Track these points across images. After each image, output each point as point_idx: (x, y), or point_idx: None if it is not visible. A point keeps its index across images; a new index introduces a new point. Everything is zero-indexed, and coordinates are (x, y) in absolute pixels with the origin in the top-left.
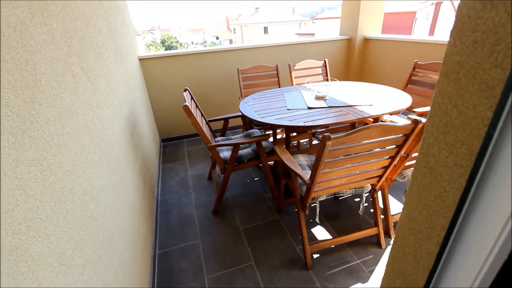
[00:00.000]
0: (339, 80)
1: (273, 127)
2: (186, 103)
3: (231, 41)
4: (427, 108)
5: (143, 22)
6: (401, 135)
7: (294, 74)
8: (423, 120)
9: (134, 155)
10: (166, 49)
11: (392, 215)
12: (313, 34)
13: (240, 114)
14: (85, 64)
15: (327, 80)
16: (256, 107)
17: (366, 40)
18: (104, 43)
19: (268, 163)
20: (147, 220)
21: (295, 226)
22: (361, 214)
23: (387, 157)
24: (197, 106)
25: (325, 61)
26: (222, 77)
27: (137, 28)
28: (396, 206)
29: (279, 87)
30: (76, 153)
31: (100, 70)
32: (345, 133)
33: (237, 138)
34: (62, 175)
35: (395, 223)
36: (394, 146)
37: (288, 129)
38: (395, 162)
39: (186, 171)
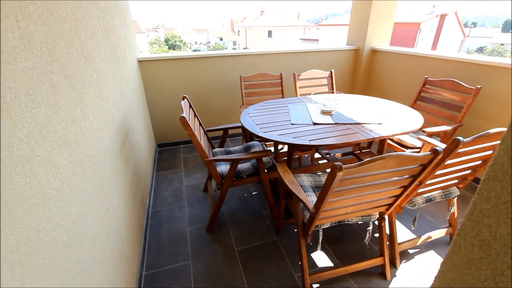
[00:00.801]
0: (345, 93)
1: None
2: (183, 114)
3: (234, 43)
4: (439, 128)
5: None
6: (417, 165)
7: (298, 84)
8: (440, 147)
9: (125, 167)
10: (169, 48)
11: (399, 244)
12: (317, 40)
13: (241, 125)
14: (70, 71)
15: (333, 92)
16: (258, 119)
17: (374, 52)
18: (98, 46)
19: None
20: (135, 238)
21: (294, 249)
22: (366, 243)
23: (400, 186)
24: (195, 115)
25: (331, 71)
26: (224, 83)
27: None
28: (403, 233)
29: (283, 96)
30: (49, 179)
31: (89, 76)
32: (358, 163)
33: (236, 150)
34: (24, 211)
35: (401, 252)
36: (408, 175)
37: (291, 146)
38: (408, 191)
39: (181, 181)
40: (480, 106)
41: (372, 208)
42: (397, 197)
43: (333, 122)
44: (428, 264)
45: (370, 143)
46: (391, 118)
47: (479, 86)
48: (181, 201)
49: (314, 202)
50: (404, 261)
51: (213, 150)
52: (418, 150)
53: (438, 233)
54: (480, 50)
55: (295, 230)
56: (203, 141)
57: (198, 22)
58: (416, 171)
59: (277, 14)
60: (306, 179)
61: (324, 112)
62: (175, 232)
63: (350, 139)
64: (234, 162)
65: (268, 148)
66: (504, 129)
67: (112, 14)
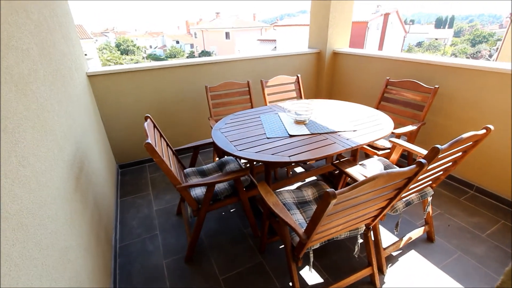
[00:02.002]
0: (311, 97)
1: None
2: (149, 140)
3: (192, 46)
4: (406, 129)
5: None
6: (404, 178)
7: (267, 91)
8: (408, 146)
9: (82, 208)
10: (122, 53)
11: (384, 249)
12: (275, 40)
13: (212, 141)
14: None
15: (301, 96)
16: (231, 135)
17: (335, 54)
18: (34, 68)
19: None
20: None
21: (282, 269)
22: (356, 256)
23: (386, 199)
24: (161, 136)
25: (297, 76)
26: (188, 94)
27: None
28: (385, 237)
29: (252, 105)
30: None
31: (26, 109)
32: (350, 187)
33: (209, 169)
34: None
35: (387, 258)
36: (395, 189)
37: (271, 164)
38: (394, 202)
39: (150, 206)
40: (438, 104)
41: (360, 222)
42: (383, 208)
43: (309, 133)
44: (412, 265)
45: None
46: (363, 123)
47: (437, 86)
48: (152, 229)
49: (300, 221)
50: (389, 265)
51: (185, 170)
52: (389, 150)
53: (417, 233)
54: (419, 44)
55: (281, 247)
56: (172, 164)
57: (151, 25)
58: (402, 183)
59: (233, 16)
60: (288, 196)
61: (298, 122)
62: (149, 269)
63: (329, 150)
64: (210, 186)
65: (245, 165)
66: (474, 132)
67: (50, 26)
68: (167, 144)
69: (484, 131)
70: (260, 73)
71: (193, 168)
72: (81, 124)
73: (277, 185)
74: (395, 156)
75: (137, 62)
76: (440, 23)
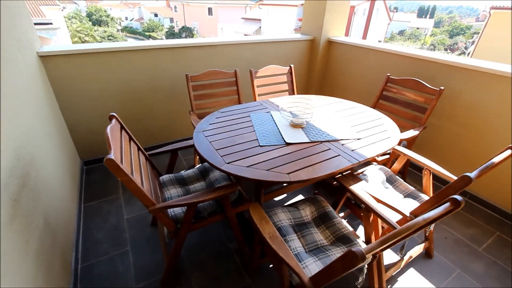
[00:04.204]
0: (301, 88)
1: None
2: (111, 156)
3: (171, 20)
4: (409, 134)
5: None
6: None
7: (256, 82)
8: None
9: (24, 241)
10: (94, 24)
11: (386, 272)
12: (260, 20)
13: (193, 144)
14: None
15: (293, 89)
16: (216, 140)
17: (330, 43)
18: None
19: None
20: None
21: None
22: (359, 287)
23: None
24: (130, 139)
25: (290, 67)
26: (164, 83)
27: None
28: (387, 258)
29: (239, 98)
30: None
31: None
32: (380, 241)
33: (189, 175)
34: None
35: (388, 280)
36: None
37: (266, 183)
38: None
39: (120, 213)
40: (439, 105)
41: None
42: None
43: (308, 141)
44: (412, 284)
45: None
46: (367, 129)
47: (442, 88)
48: (122, 244)
49: (298, 249)
50: (389, 287)
51: (161, 178)
52: (388, 156)
53: (418, 250)
54: (401, 33)
55: (271, 266)
56: (145, 177)
57: None
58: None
59: None
60: (284, 217)
61: (294, 125)
62: None
63: (334, 166)
64: (191, 206)
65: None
66: (504, 155)
67: None
68: (138, 148)
69: (510, 151)
70: (247, 60)
71: (170, 175)
72: (27, 121)
73: (267, 196)
74: (397, 165)
75: (110, 36)
76: (422, 12)
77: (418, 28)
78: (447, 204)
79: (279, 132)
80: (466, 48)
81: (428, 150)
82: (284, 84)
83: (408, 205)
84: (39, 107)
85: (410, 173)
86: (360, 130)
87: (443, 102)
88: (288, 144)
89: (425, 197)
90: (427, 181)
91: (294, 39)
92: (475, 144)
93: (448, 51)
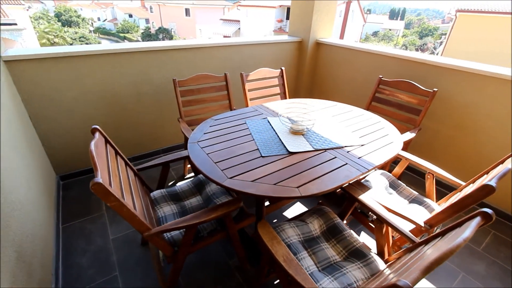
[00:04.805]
0: (291, 94)
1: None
2: (99, 179)
3: (147, 21)
4: (406, 137)
5: None
6: None
7: (247, 86)
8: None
9: None
10: (63, 25)
11: None
12: (238, 21)
13: (186, 155)
14: None
15: (285, 93)
16: (214, 151)
17: (318, 45)
18: None
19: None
20: None
21: None
22: None
23: None
24: (116, 153)
25: (282, 69)
26: (149, 88)
27: None
28: None
29: (230, 103)
30: None
31: None
32: (422, 271)
33: (183, 189)
34: None
35: None
36: None
37: (274, 199)
38: None
39: (105, 233)
40: (431, 107)
41: None
42: None
43: (311, 149)
44: None
45: None
46: (368, 134)
47: (435, 89)
48: (109, 269)
49: (311, 268)
50: None
51: (152, 194)
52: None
53: None
54: (375, 34)
55: (276, 283)
56: (136, 197)
57: None
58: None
59: None
60: (292, 233)
61: (294, 132)
62: None
63: (344, 176)
64: (190, 229)
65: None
66: None
67: None
68: (126, 163)
69: None
70: (235, 63)
71: (162, 190)
72: None
73: (269, 208)
74: (399, 169)
75: (82, 37)
76: (393, 14)
77: (390, 30)
78: (478, 220)
79: (280, 140)
80: (435, 48)
81: (421, 153)
82: (276, 87)
83: (417, 212)
84: (5, 119)
85: (404, 174)
86: (362, 136)
87: (435, 103)
88: (291, 153)
89: (430, 202)
90: (430, 185)
91: (282, 40)
92: (468, 145)
93: (419, 51)
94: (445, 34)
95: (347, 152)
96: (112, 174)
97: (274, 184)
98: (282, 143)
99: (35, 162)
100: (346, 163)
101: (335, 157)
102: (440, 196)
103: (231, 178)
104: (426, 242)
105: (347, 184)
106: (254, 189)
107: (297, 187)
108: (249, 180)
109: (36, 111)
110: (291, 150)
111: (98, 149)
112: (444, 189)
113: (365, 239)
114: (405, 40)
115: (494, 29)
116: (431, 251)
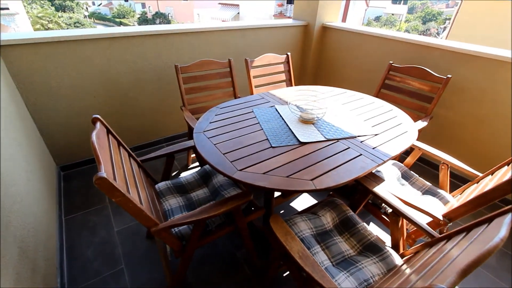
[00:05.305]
0: (295, 77)
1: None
2: (103, 174)
3: (144, 5)
4: (419, 125)
5: None
6: None
7: (252, 72)
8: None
9: None
10: (57, 9)
11: None
12: (238, 5)
13: (191, 145)
14: None
15: (290, 79)
16: (221, 142)
17: (325, 29)
18: None
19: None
20: None
21: None
22: None
23: None
24: (119, 144)
25: (287, 55)
26: (150, 75)
27: None
28: None
29: (234, 90)
30: None
31: None
32: (459, 274)
33: (189, 181)
34: None
35: None
36: None
37: (289, 192)
38: None
39: (109, 225)
40: (444, 94)
41: None
42: None
43: (324, 139)
44: None
45: None
46: (381, 123)
47: (449, 76)
48: (115, 262)
49: (325, 263)
50: None
51: (157, 186)
52: None
53: None
54: (377, 19)
55: (285, 275)
56: (141, 189)
57: None
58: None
59: None
60: (305, 226)
61: (304, 121)
62: None
63: (359, 167)
64: (199, 224)
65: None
66: None
67: None
68: (129, 154)
69: None
70: (239, 48)
71: (167, 182)
72: None
73: (278, 200)
74: (411, 159)
75: (77, 22)
76: None
77: (393, 14)
78: (510, 216)
79: (290, 130)
80: (438, 33)
81: (431, 141)
82: (281, 74)
83: (432, 205)
84: (1, 109)
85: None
86: (374, 125)
87: (448, 90)
88: (302, 143)
89: (444, 193)
90: (444, 176)
91: (287, 24)
92: (482, 134)
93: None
94: (449, 19)
95: (361, 142)
96: (116, 166)
97: (287, 176)
98: (292, 132)
99: (33, 152)
100: (361, 154)
101: (349, 148)
102: (453, 187)
103: (241, 170)
104: (448, 237)
105: (363, 176)
106: (266, 182)
107: (311, 180)
108: (260, 172)
109: (32, 99)
110: (302, 140)
111: (100, 140)
112: (455, 179)
113: (376, 232)
114: (408, 25)
115: (503, 14)
116: (457, 250)
